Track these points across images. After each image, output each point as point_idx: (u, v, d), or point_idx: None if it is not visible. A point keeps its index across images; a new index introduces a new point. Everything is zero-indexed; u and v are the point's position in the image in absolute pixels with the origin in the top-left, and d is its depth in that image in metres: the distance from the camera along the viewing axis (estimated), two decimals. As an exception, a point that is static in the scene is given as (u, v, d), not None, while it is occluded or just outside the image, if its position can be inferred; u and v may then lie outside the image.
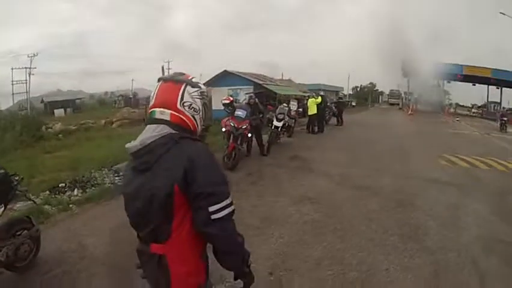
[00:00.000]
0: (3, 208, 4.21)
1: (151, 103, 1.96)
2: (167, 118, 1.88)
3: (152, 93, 1.99)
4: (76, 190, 7.83)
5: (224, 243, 1.82)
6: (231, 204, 1.81)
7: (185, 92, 1.92)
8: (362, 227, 5.86)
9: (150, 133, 1.85)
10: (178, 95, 1.90)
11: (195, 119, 1.95)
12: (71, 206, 6.95)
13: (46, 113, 39.95)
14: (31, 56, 48.53)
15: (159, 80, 2.00)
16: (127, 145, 1.90)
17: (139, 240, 1.96)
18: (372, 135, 19.32)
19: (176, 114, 1.88)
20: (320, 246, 5.08)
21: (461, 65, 47.38)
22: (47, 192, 7.51)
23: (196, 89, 1.94)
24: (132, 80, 70.72)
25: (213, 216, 1.73)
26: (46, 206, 6.56)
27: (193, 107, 1.93)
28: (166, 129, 1.85)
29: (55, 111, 47.40)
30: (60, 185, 8.04)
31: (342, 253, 4.86)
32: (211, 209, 1.73)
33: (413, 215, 6.52)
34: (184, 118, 1.90)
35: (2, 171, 4.34)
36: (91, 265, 4.58)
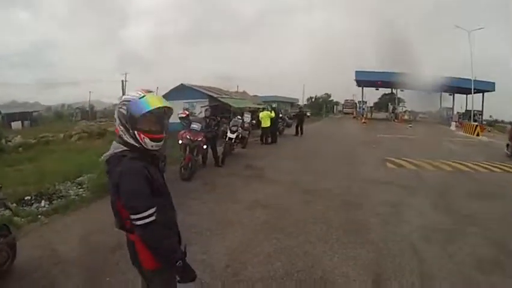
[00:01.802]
0: None
1: None
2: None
3: None
4: (43, 202, 8.17)
5: (147, 243, 2.39)
6: (149, 216, 2.30)
7: (116, 110, 2.48)
8: (309, 225, 6.51)
9: (111, 149, 2.50)
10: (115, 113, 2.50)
11: (118, 129, 2.47)
12: (39, 216, 7.27)
13: (3, 125, 39.11)
14: (-16, 66, 47.38)
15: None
16: (103, 157, 2.56)
17: (119, 229, 2.60)
18: (323, 143, 20.40)
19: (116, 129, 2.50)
20: (270, 243, 5.70)
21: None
22: (14, 204, 7.61)
23: (119, 105, 2.48)
24: (90, 92, 69.39)
25: (136, 223, 2.33)
26: (15, 218, 6.80)
27: (118, 120, 2.46)
28: (118, 147, 2.48)
29: (12, 123, 46.41)
30: (26, 198, 8.33)
31: (291, 248, 5.50)
32: (133, 217, 2.33)
33: (358, 213, 7.25)
34: (119, 132, 2.48)
35: None
36: (65, 269, 4.94)
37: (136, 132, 2.43)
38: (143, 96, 2.43)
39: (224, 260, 5.08)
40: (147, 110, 2.39)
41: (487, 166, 13.34)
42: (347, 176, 10.90)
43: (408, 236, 5.98)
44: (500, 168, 13.12)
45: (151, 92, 2.55)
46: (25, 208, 7.80)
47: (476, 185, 10.07)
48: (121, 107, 2.45)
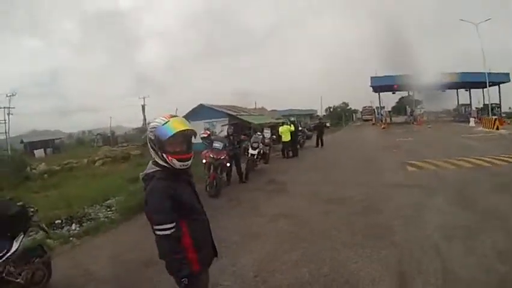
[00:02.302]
0: (22, 236, 4.82)
1: None
2: None
3: None
4: (73, 225, 8.43)
5: (159, 252, 2.73)
6: (164, 229, 2.62)
7: (147, 136, 2.82)
8: (333, 233, 6.54)
9: (146, 169, 2.84)
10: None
11: (152, 153, 2.78)
12: (71, 238, 7.54)
13: (26, 153, 39.76)
14: (9, 96, 48.06)
15: None
16: (140, 175, 2.90)
17: None
18: (344, 152, 20.42)
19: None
20: (295, 251, 5.78)
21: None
22: (41, 232, 7.99)
23: (148, 132, 2.80)
24: (110, 118, 70.47)
25: (156, 232, 2.66)
26: (48, 240, 6.86)
27: (149, 144, 2.79)
28: (151, 167, 2.81)
29: (35, 151, 46.90)
30: (56, 221, 8.57)
31: (316, 254, 5.57)
32: (154, 227, 2.66)
33: (380, 218, 7.27)
34: (152, 154, 2.79)
35: (21, 203, 5.10)
36: (99, 286, 5.21)
37: (164, 154, 2.71)
38: (167, 122, 2.71)
39: (252, 270, 5.19)
40: (171, 135, 2.65)
41: (507, 159, 13.18)
42: (367, 182, 10.89)
43: (430, 236, 6.00)
44: None
45: (174, 116, 2.80)
46: (56, 231, 7.99)
47: (496, 179, 9.96)
48: (149, 133, 2.76)
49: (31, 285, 4.84)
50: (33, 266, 4.95)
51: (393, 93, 60.90)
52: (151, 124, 2.79)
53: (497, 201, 7.68)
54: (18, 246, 4.71)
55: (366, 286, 4.51)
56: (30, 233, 5.53)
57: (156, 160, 2.78)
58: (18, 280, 4.61)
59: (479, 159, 13.37)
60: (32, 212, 5.20)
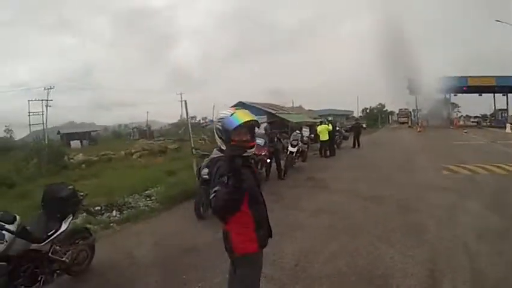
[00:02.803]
0: (71, 217, 4.96)
1: None
2: None
3: None
4: (114, 212, 8.56)
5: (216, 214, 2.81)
6: (219, 190, 2.59)
7: (214, 126, 3.00)
8: (370, 228, 6.62)
9: (212, 155, 3.00)
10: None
11: (216, 139, 2.99)
12: (111, 224, 7.68)
13: (63, 144, 40.65)
14: (48, 89, 49.07)
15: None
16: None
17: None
18: (380, 154, 20.26)
19: None
20: (334, 244, 5.89)
21: (466, 77, 47.84)
22: (85, 214, 7.57)
23: (216, 122, 2.96)
24: (147, 112, 71.76)
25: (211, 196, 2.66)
26: (88, 225, 7.01)
27: (216, 134, 2.97)
28: (216, 153, 2.95)
29: (71, 142, 47.96)
30: (96, 208, 8.63)
31: (354, 248, 5.67)
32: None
33: (414, 217, 7.29)
34: (218, 143, 2.99)
35: (71, 187, 5.19)
36: (140, 269, 5.28)
37: (231, 142, 2.87)
38: (233, 113, 2.92)
39: (293, 259, 5.29)
40: (238, 124, 2.84)
41: None
42: (403, 183, 10.88)
43: (461, 236, 6.00)
44: None
45: (239, 109, 3.05)
46: (97, 217, 8.09)
47: None
48: (217, 124, 2.97)
49: (74, 265, 4.98)
50: (78, 247, 5.09)
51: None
52: (219, 115, 3.00)
53: None
54: (67, 227, 4.84)
55: (399, 279, 4.62)
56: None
57: (222, 148, 2.94)
58: (63, 259, 4.72)
59: None
60: (82, 196, 5.32)
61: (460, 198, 8.57)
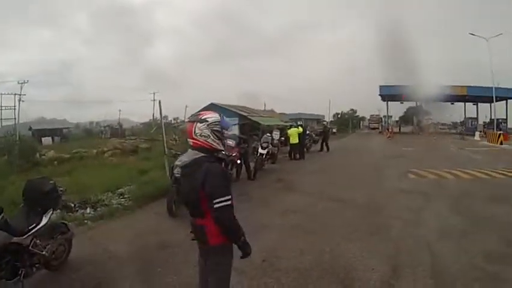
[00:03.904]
0: (51, 212, 5.15)
1: None
2: (191, 144, 3.17)
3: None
4: (88, 209, 8.74)
5: (221, 224, 3.01)
6: (229, 200, 2.96)
7: (196, 127, 3.14)
8: (335, 228, 7.03)
9: (192, 155, 3.21)
10: (192, 129, 3.14)
11: (208, 142, 3.11)
12: (86, 221, 7.81)
13: (34, 140, 40.04)
14: (21, 83, 48.10)
15: (187, 121, 3.41)
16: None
17: (190, 216, 3.22)
18: (349, 158, 20.82)
19: (193, 141, 3.16)
20: (301, 242, 6.24)
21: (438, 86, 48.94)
22: (58, 210, 7.47)
23: (202, 123, 3.14)
24: (119, 111, 70.98)
25: (216, 206, 2.93)
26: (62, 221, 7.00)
27: (202, 135, 3.11)
28: (198, 154, 3.16)
29: (43, 139, 46.93)
30: (69, 204, 8.72)
31: (319, 245, 6.04)
32: (215, 201, 2.94)
33: (379, 217, 7.76)
34: (200, 143, 3.13)
35: (52, 181, 5.37)
36: (117, 263, 5.51)
37: (225, 142, 3.25)
38: (223, 117, 3.29)
39: (261, 255, 5.54)
40: (231, 126, 3.02)
41: (505, 172, 13.58)
42: (370, 186, 11.30)
43: (423, 235, 6.44)
44: None
45: (212, 112, 3.36)
46: (70, 214, 8.27)
47: (491, 190, 10.34)
48: (213, 126, 3.16)
49: (53, 259, 5.12)
50: (57, 242, 5.23)
51: (402, 102, 61.08)
52: (211, 119, 3.19)
53: (487, 209, 8.22)
54: (47, 222, 5.00)
55: (360, 273, 5.00)
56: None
57: (216, 147, 3.19)
58: (43, 252, 4.84)
59: (479, 171, 13.79)
60: (61, 191, 5.47)
61: (424, 201, 9.07)
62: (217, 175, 3.03)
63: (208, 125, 3.15)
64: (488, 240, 6.10)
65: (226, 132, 3.22)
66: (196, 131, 3.15)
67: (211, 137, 3.14)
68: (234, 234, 3.08)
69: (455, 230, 6.69)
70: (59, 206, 5.67)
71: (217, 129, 3.18)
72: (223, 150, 3.29)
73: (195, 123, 3.17)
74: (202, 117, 3.21)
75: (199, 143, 3.14)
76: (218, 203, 2.93)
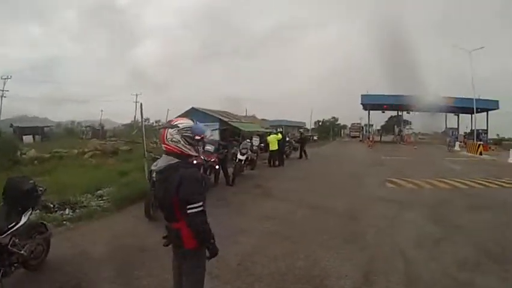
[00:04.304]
0: (30, 211, 5.21)
1: None
2: (164, 149, 3.31)
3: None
4: (67, 210, 8.74)
5: (194, 228, 3.16)
6: (201, 206, 3.11)
7: (167, 132, 3.28)
8: (312, 235, 7.16)
9: (167, 160, 3.32)
10: (164, 135, 3.29)
11: (179, 147, 3.24)
12: (64, 222, 7.88)
13: (15, 138, 39.54)
14: (4, 78, 47.99)
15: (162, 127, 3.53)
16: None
17: (166, 220, 3.39)
18: (328, 166, 21.21)
19: (165, 146, 3.31)
20: (276, 248, 6.37)
21: (418, 96, 49.67)
22: (38, 210, 7.70)
23: (173, 129, 3.28)
24: (101, 111, 70.56)
25: (189, 211, 3.10)
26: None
27: (173, 140, 3.24)
28: (171, 160, 3.30)
29: (24, 137, 46.43)
30: (48, 205, 8.76)
31: (294, 251, 6.17)
32: (188, 207, 3.10)
33: (356, 225, 7.95)
34: (171, 148, 3.27)
35: (32, 181, 5.42)
36: (95, 264, 5.59)
37: (198, 147, 3.37)
38: (195, 123, 3.40)
39: (236, 260, 5.74)
40: (204, 132, 3.35)
41: (482, 182, 13.98)
42: (348, 194, 11.52)
43: (399, 243, 6.62)
44: (496, 184, 13.81)
45: (187, 118, 3.52)
46: (49, 214, 8.30)
47: (468, 200, 10.70)
48: (184, 132, 3.30)
49: (32, 259, 5.17)
50: (35, 241, 5.30)
51: (383, 112, 61.97)
52: (182, 125, 3.33)
53: (463, 217, 8.49)
54: (26, 221, 5.05)
55: (333, 279, 5.14)
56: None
57: (188, 153, 3.32)
58: (22, 252, 4.87)
59: (457, 181, 14.14)
60: (41, 191, 5.52)
61: (401, 210, 9.29)
62: (192, 181, 3.16)
63: (178, 130, 3.29)
64: (462, 249, 6.33)
65: (198, 137, 3.33)
66: (168, 137, 3.29)
67: (182, 142, 3.27)
68: (205, 238, 3.22)
69: (429, 238, 6.89)
70: (38, 205, 5.78)
71: (188, 134, 3.30)
72: (195, 156, 3.41)
73: (167, 129, 3.33)
74: (174, 123, 3.36)
75: (170, 147, 3.28)
76: (191, 208, 3.09)
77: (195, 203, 3.12)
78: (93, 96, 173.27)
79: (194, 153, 3.37)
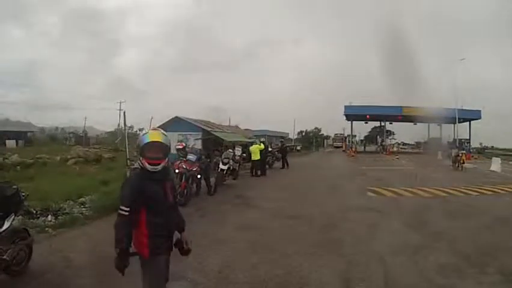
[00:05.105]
0: (13, 217, 5.26)
1: None
2: None
3: None
4: (49, 216, 8.81)
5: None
6: (123, 210, 3.32)
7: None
8: (291, 243, 7.29)
9: (135, 165, 3.63)
10: None
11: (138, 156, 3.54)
12: (47, 229, 7.96)
13: (-1, 143, 39.21)
14: (-12, 82, 47.55)
15: None
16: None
17: None
18: (310, 176, 21.42)
19: None
20: (256, 256, 6.50)
21: (400, 107, 50.13)
22: (20, 216, 7.60)
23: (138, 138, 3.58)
24: (85, 118, 70.13)
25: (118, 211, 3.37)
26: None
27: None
28: (138, 165, 3.60)
29: (7, 141, 46.32)
30: (31, 211, 8.77)
31: (274, 260, 6.30)
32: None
33: (334, 233, 8.10)
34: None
35: (15, 186, 5.52)
36: (76, 271, 5.66)
37: (141, 158, 3.49)
38: (147, 132, 3.59)
39: (217, 268, 5.86)
40: (145, 142, 3.47)
41: (463, 190, 14.35)
42: (328, 204, 11.73)
43: (377, 250, 6.76)
44: (477, 191, 14.23)
45: (156, 129, 3.71)
46: (32, 220, 8.38)
47: (447, 207, 11.05)
48: (137, 139, 3.58)
49: (14, 265, 5.15)
50: (18, 247, 5.28)
51: (366, 122, 62.60)
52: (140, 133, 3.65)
53: (442, 224, 8.75)
54: (9, 226, 5.12)
55: (313, 287, 5.30)
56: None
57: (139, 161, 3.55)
58: (4, 257, 4.90)
59: (438, 189, 14.46)
60: (24, 196, 5.65)
61: (381, 218, 9.55)
62: (124, 185, 3.53)
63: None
64: (440, 254, 6.53)
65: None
66: None
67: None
68: (115, 240, 3.39)
69: (409, 244, 7.06)
70: (21, 211, 5.85)
71: (138, 142, 3.54)
72: (140, 164, 3.52)
73: None
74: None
75: None
76: (119, 209, 3.38)
77: (120, 205, 3.39)
78: (77, 103, 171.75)
79: (139, 162, 3.55)
